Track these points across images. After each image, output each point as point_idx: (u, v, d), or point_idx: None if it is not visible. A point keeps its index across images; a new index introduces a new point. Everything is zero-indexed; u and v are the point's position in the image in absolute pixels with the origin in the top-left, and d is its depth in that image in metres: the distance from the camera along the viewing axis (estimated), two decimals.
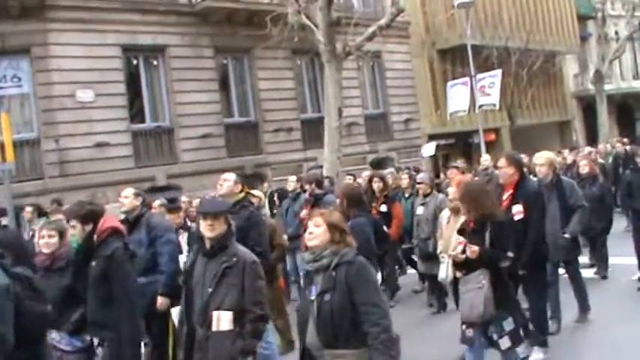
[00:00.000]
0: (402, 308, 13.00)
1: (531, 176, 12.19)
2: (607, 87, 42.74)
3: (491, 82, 30.84)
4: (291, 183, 15.19)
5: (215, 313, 6.05)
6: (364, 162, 29.25)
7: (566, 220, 9.81)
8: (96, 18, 22.51)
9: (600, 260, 13.76)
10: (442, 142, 36.03)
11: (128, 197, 9.21)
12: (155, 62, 24.77)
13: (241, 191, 8.88)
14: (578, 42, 47.30)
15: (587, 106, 47.50)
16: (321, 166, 21.64)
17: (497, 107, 32.24)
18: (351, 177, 18.15)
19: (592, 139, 32.55)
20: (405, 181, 14.47)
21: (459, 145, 37.31)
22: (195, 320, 6.22)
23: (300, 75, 29.50)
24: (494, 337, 7.08)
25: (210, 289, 6.11)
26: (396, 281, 14.17)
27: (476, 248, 7.03)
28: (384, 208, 13.14)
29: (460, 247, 7.27)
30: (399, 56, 33.53)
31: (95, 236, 7.14)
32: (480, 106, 30.87)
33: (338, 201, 10.94)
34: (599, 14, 43.17)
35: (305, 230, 12.23)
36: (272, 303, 8.68)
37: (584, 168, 13.82)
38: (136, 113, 24.00)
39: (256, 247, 7.68)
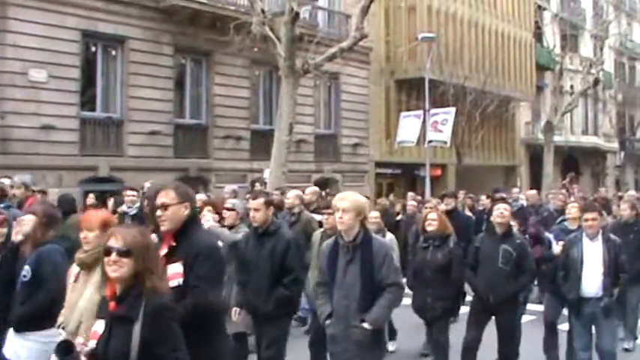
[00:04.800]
0: None
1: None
2: (556, 138, 43.29)
3: (444, 119, 31.26)
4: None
5: None
6: (309, 180, 29.23)
7: (371, 300, 6.49)
8: None
9: (438, 354, 9.82)
10: (389, 171, 36.33)
11: None
12: (114, 52, 24.58)
13: None
14: (533, 91, 48.24)
15: (534, 154, 48.23)
16: (266, 179, 21.60)
17: (448, 144, 32.66)
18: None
19: (537, 187, 32.98)
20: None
21: (405, 177, 37.59)
22: None
23: (257, 85, 29.54)
24: None
25: None
26: None
27: None
28: None
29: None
30: (357, 80, 33.73)
31: None
32: (430, 142, 31.23)
33: None
34: (557, 67, 43.81)
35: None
36: None
37: (430, 224, 9.80)
38: (87, 100, 23.73)
39: None
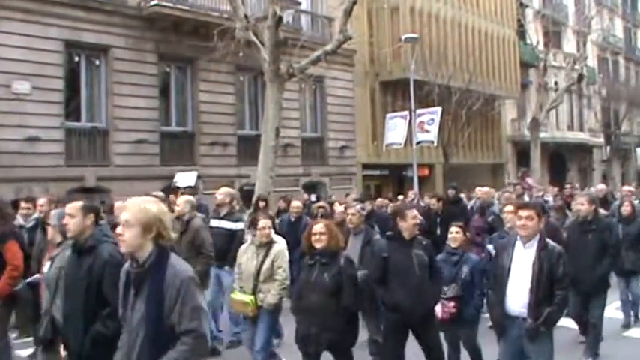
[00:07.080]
0: None
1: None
2: (542, 135, 43.43)
3: (430, 119, 31.27)
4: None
5: None
6: (297, 184, 29.24)
7: (156, 353, 4.65)
8: (40, 10, 22.22)
9: None
10: (377, 172, 36.30)
11: None
12: (97, 62, 24.47)
13: None
14: (518, 88, 48.25)
15: (521, 151, 48.28)
16: (254, 185, 21.52)
17: (435, 144, 32.68)
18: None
19: None
20: None
21: (393, 178, 37.56)
22: None
23: (242, 91, 29.47)
24: None
25: None
26: None
27: None
28: None
29: None
30: (342, 83, 33.72)
31: None
32: (418, 143, 31.28)
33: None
34: (541, 63, 43.98)
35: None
36: None
37: (319, 239, 7.95)
38: (72, 111, 23.62)
39: None
